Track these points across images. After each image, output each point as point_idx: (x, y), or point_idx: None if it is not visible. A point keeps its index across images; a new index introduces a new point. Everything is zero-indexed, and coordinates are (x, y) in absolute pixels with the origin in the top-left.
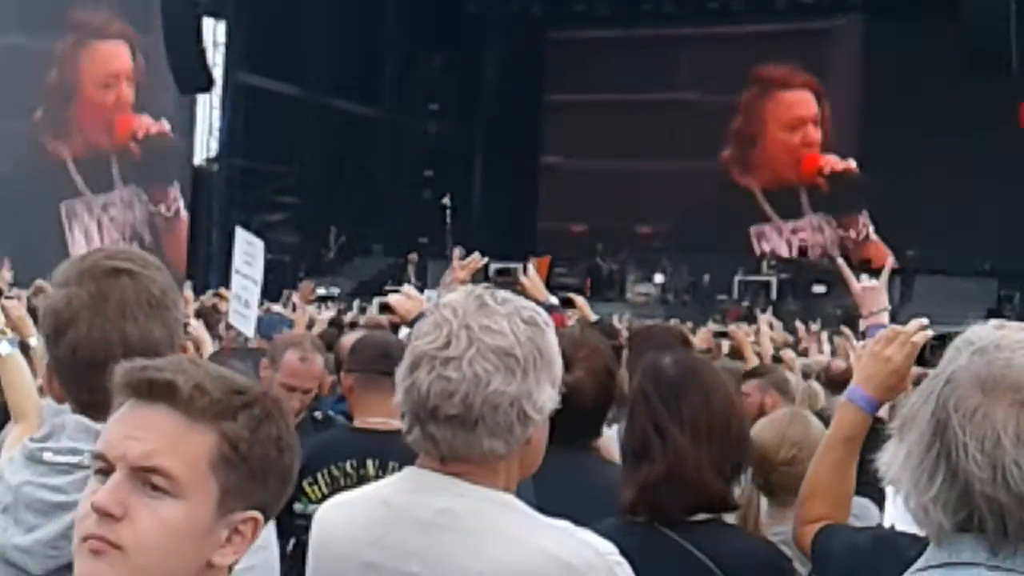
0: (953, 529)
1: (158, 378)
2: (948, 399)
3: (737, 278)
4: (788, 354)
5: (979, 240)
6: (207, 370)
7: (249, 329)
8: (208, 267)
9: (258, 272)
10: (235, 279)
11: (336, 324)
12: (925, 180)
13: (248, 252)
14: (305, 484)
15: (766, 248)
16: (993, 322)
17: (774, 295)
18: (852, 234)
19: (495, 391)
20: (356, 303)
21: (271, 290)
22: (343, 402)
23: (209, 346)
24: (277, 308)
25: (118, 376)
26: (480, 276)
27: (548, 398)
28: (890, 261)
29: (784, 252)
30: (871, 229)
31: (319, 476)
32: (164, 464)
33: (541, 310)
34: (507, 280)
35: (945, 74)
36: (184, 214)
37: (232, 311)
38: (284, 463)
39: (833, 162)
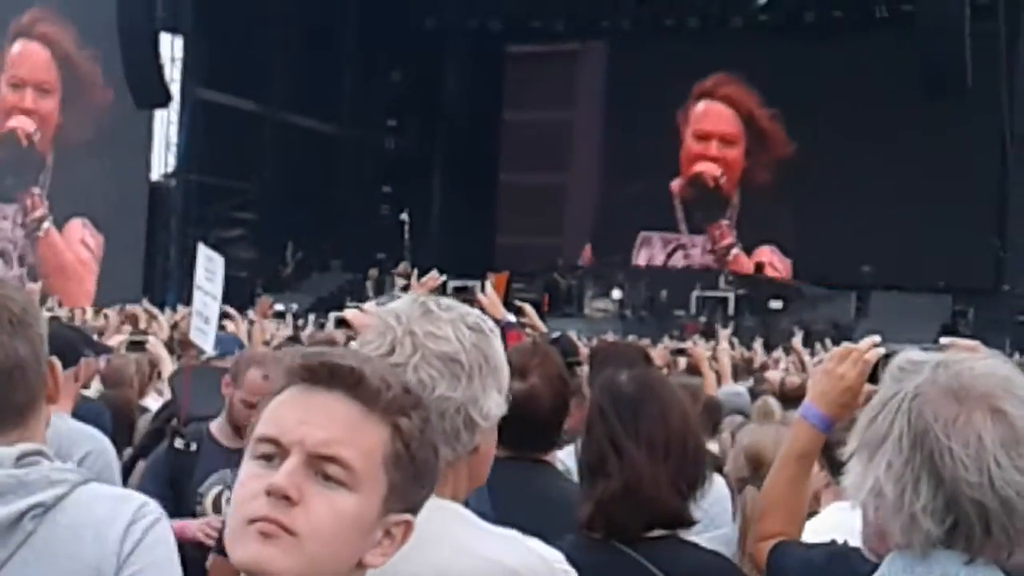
0: (941, 537)
1: (342, 365)
2: (923, 410)
3: (695, 294)
4: (772, 375)
5: (933, 256)
6: (384, 363)
7: (208, 345)
8: (166, 283)
9: (218, 288)
10: (196, 295)
11: (295, 340)
12: (879, 197)
13: (208, 268)
14: None
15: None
16: (943, 339)
17: (731, 311)
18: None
19: (440, 397)
20: (312, 319)
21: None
22: None
23: (168, 364)
24: (229, 326)
25: (289, 359)
26: (438, 293)
27: (495, 404)
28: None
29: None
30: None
31: None
32: (344, 454)
33: (485, 316)
34: (465, 298)
35: (899, 90)
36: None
37: (193, 327)
38: (437, 469)
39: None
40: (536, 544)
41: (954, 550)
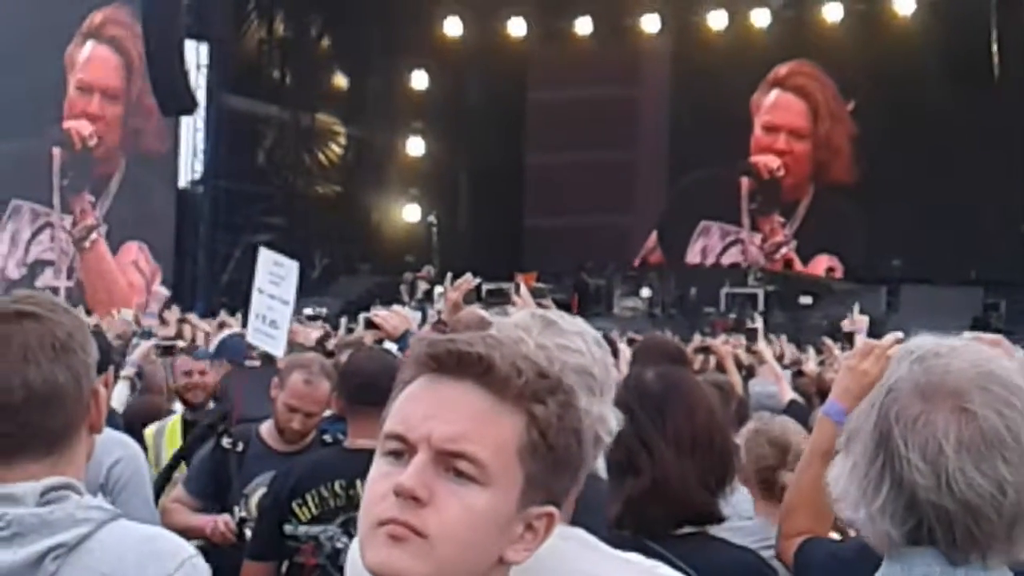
0: (903, 540)
1: (470, 352)
2: (890, 409)
3: (724, 291)
4: (809, 369)
5: (964, 249)
6: (516, 348)
7: (278, 349)
8: (194, 289)
9: (289, 292)
10: (257, 298)
11: (322, 343)
12: (909, 190)
13: (275, 272)
14: (294, 505)
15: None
16: (967, 334)
17: (761, 307)
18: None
19: (582, 412)
20: (343, 321)
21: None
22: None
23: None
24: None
25: (417, 349)
26: (472, 296)
27: (615, 422)
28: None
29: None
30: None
31: (308, 497)
32: (473, 450)
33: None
34: (500, 300)
35: (930, 80)
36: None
37: (253, 330)
38: (581, 455)
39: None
40: (665, 570)
41: (935, 548)
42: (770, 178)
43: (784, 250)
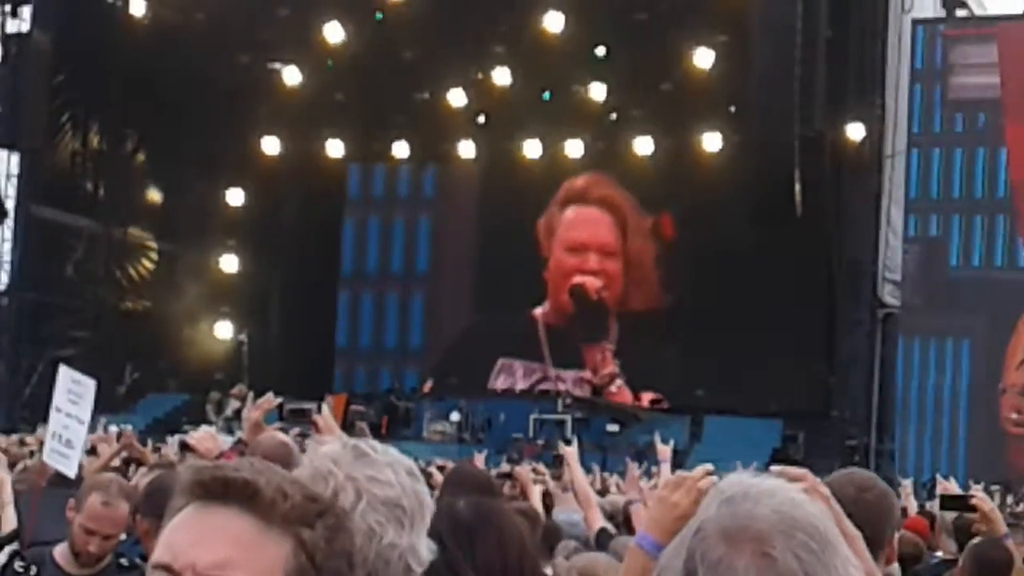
0: None
1: (236, 478)
2: (696, 549)
3: (532, 416)
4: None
5: (765, 381)
6: (281, 472)
7: (71, 470)
8: None
9: (86, 412)
10: (55, 417)
11: (128, 461)
12: (713, 322)
13: (74, 391)
14: None
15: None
16: (774, 468)
17: (569, 433)
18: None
19: (388, 544)
20: (150, 441)
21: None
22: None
23: (7, 487)
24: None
25: (184, 476)
26: (274, 415)
27: (427, 551)
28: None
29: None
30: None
31: None
32: None
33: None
34: (302, 420)
35: (733, 217)
36: None
37: (49, 450)
38: None
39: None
40: None
41: None
42: (597, 299)
43: (618, 383)
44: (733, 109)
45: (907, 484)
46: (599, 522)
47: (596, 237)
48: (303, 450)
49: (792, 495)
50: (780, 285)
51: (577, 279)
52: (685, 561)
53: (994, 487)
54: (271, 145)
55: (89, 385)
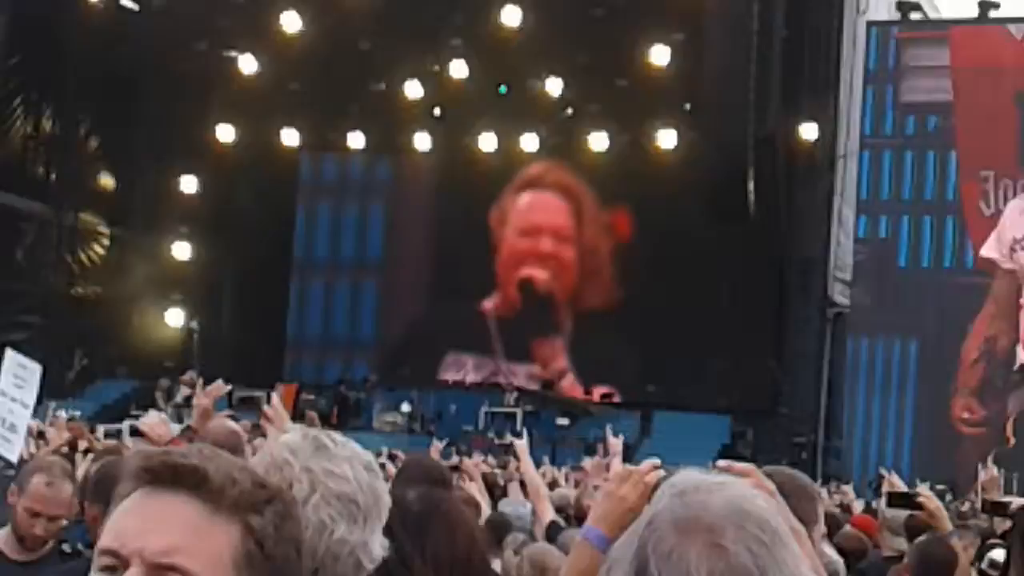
0: None
1: (184, 464)
2: (648, 540)
3: (483, 409)
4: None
5: (716, 378)
6: (231, 459)
7: (13, 455)
8: None
9: (31, 396)
10: (0, 401)
11: (72, 446)
12: (666, 318)
13: (20, 376)
14: None
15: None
16: (720, 462)
17: (519, 426)
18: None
19: (339, 539)
20: (101, 428)
21: None
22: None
23: None
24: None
25: (133, 462)
26: (224, 403)
27: (380, 547)
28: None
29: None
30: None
31: None
32: (185, 563)
33: (370, 455)
34: (251, 408)
35: (686, 216)
36: None
37: None
38: (301, 566)
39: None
40: None
41: None
42: (545, 293)
43: (569, 378)
44: (688, 107)
45: (848, 489)
46: (549, 515)
47: (551, 220)
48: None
49: (744, 489)
50: (732, 283)
51: (525, 272)
52: (636, 552)
53: (940, 486)
54: (226, 133)
55: (35, 370)
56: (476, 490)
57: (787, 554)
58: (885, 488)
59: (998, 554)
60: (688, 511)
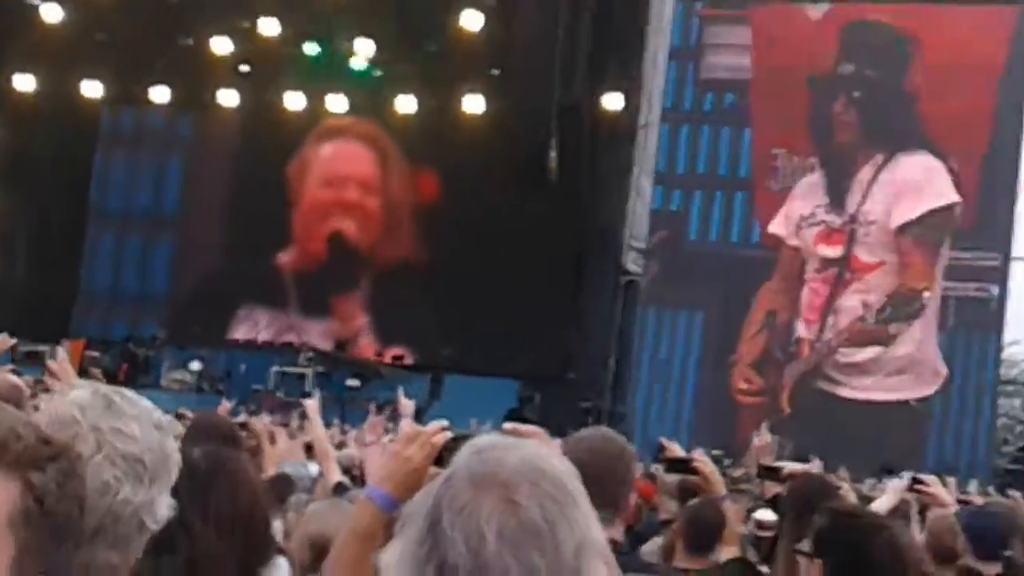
0: None
1: None
2: (443, 496)
3: (274, 368)
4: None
5: (508, 342)
6: (14, 413)
7: None
8: None
9: None
10: None
11: None
12: (468, 281)
13: None
14: None
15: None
16: (507, 425)
17: (309, 387)
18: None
19: (122, 500)
20: None
21: None
22: None
23: None
24: None
25: None
26: (7, 357)
27: (166, 507)
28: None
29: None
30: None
31: None
32: None
33: (161, 412)
34: (36, 363)
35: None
36: None
37: None
38: (82, 525)
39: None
40: None
41: None
42: (353, 247)
43: (366, 336)
44: (497, 73)
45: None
46: (336, 476)
47: (357, 170)
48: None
49: (540, 450)
50: (533, 249)
51: (334, 224)
52: (431, 507)
53: (716, 452)
54: (25, 82)
55: None
56: (267, 449)
57: (579, 514)
58: (666, 453)
59: (763, 514)
60: (484, 467)
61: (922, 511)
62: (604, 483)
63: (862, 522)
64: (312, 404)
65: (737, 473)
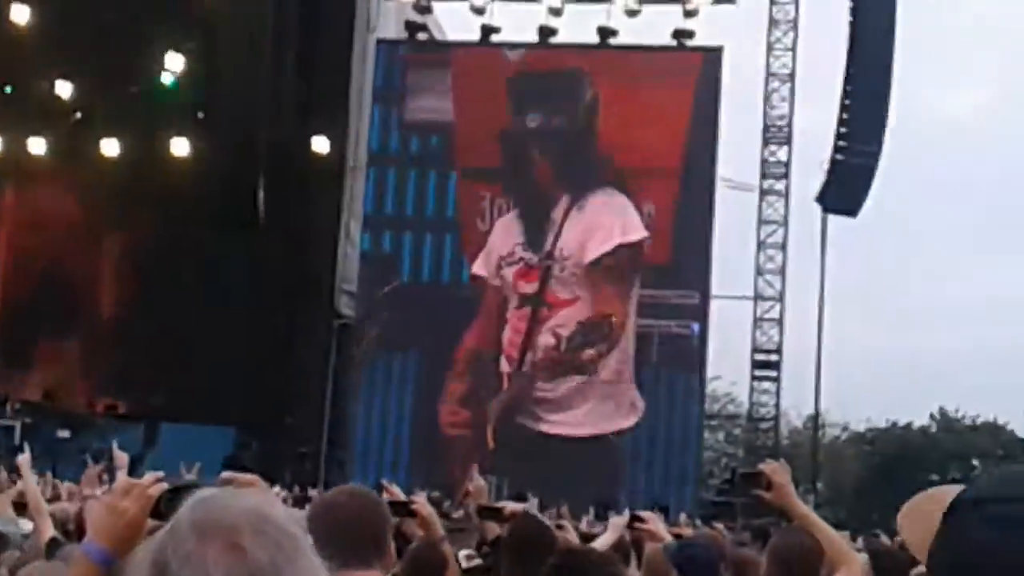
0: None
1: None
2: (168, 543)
3: None
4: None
5: (224, 390)
6: None
7: None
8: None
9: None
10: None
11: None
12: (177, 328)
13: None
14: None
15: None
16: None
17: (18, 440)
18: None
19: None
20: None
21: None
22: None
23: None
24: None
25: None
26: None
27: None
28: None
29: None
30: None
31: None
32: None
33: None
34: None
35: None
36: None
37: None
38: None
39: None
40: None
41: None
42: (60, 294)
43: (75, 388)
44: (201, 115)
45: None
46: (49, 531)
47: (61, 212)
48: None
49: (265, 497)
50: (242, 293)
51: (40, 268)
52: (155, 555)
53: (436, 494)
54: None
55: None
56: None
57: (305, 560)
58: (385, 497)
59: (466, 552)
60: (208, 515)
61: (636, 543)
62: (373, 530)
63: (587, 559)
64: (25, 459)
65: (457, 514)
